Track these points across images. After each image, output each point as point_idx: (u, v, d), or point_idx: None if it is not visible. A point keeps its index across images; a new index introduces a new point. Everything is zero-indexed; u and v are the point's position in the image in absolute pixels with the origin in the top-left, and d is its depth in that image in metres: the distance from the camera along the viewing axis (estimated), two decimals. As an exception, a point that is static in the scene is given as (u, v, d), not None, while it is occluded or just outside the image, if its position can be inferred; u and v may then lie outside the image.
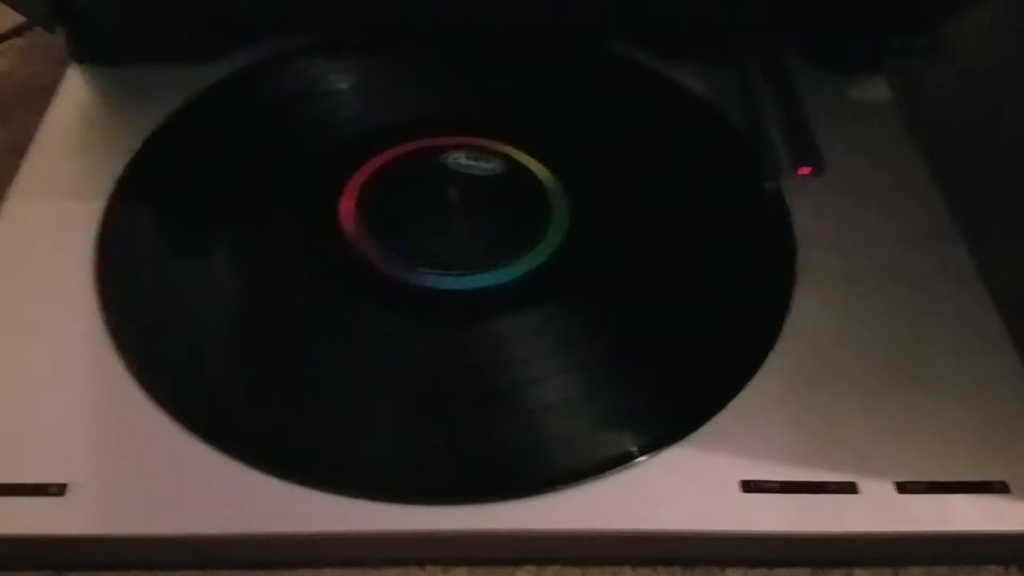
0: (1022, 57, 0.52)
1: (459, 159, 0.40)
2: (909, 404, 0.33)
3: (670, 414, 0.32)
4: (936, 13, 0.46)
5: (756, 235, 0.39)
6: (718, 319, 0.36)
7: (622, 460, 0.31)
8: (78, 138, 0.42)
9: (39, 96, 0.47)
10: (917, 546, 0.31)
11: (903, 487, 0.31)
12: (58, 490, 0.29)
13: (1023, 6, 0.52)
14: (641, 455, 0.31)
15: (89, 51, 0.45)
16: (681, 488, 0.30)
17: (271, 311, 0.36)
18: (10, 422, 0.31)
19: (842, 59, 0.46)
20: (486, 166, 0.39)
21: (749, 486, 0.30)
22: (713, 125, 0.43)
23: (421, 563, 0.31)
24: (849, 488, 0.30)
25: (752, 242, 0.39)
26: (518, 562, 0.31)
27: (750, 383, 0.33)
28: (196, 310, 0.35)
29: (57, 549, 0.30)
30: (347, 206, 0.39)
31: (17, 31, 0.50)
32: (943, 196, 0.41)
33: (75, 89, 0.45)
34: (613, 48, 0.46)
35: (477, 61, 0.46)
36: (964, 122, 0.49)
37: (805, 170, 0.40)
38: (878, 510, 0.30)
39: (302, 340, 0.34)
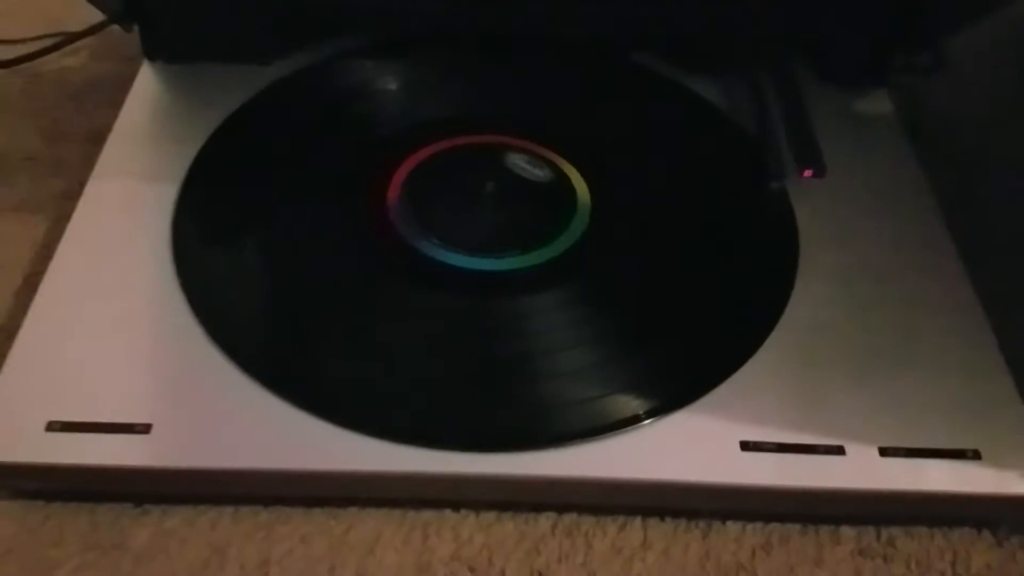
0: (1019, 74, 0.56)
1: (513, 160, 0.44)
2: (894, 382, 0.36)
3: (678, 383, 0.36)
4: (939, 30, 0.49)
5: (762, 230, 0.43)
6: (724, 302, 0.40)
7: (635, 420, 0.35)
8: (151, 128, 0.46)
9: (111, 89, 0.51)
10: (896, 504, 0.34)
11: (885, 451, 0.34)
12: (144, 429, 0.34)
13: (1020, 24, 0.56)
14: (652, 416, 0.35)
15: (160, 49, 0.49)
16: (686, 446, 0.34)
17: (325, 282, 0.40)
18: (101, 371, 0.35)
19: (848, 73, 0.49)
20: (535, 171, 0.43)
21: (747, 446, 0.34)
22: (726, 131, 0.47)
23: (455, 506, 0.35)
24: (837, 450, 0.34)
25: (758, 236, 0.42)
26: (539, 508, 0.35)
27: (751, 359, 0.37)
28: (258, 277, 0.40)
29: (142, 480, 0.34)
30: (393, 194, 0.43)
31: (91, 31, 0.55)
32: (936, 200, 0.44)
33: (148, 84, 0.48)
34: (635, 59, 0.50)
35: (510, 63, 0.50)
36: (961, 134, 0.52)
37: (808, 173, 0.43)
38: (862, 470, 0.34)
39: (351, 308, 0.38)
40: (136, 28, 0.49)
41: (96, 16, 0.51)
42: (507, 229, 0.42)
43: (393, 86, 0.49)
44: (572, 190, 0.43)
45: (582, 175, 0.44)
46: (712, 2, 0.48)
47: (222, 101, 0.47)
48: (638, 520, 0.35)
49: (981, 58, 0.56)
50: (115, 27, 0.50)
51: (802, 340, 0.38)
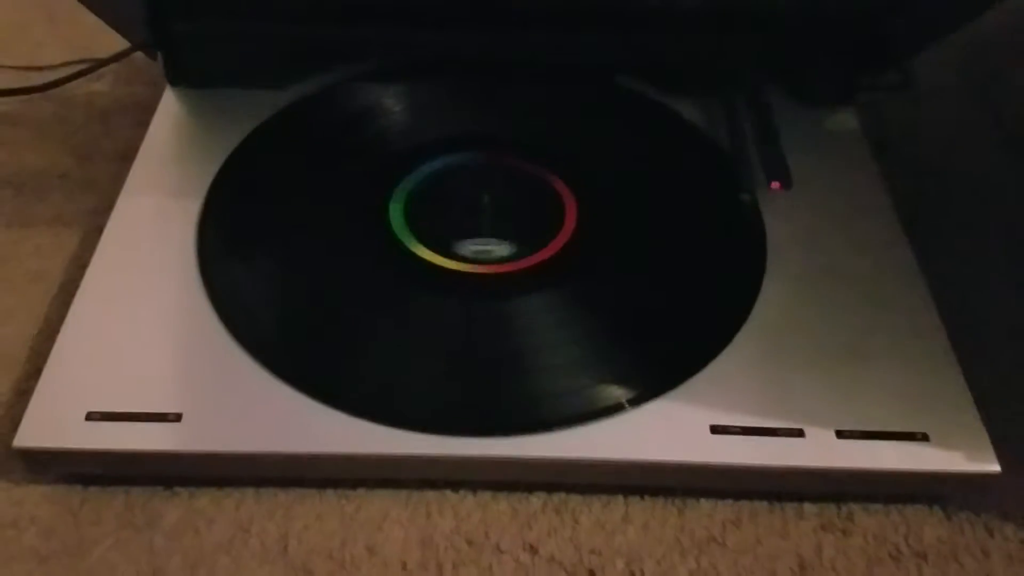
0: (978, 91, 0.60)
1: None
2: (850, 373, 0.40)
3: (656, 374, 0.39)
4: (903, 50, 0.53)
5: (733, 236, 0.46)
6: (699, 302, 0.43)
7: (617, 407, 0.38)
8: (175, 148, 0.50)
9: (137, 112, 0.55)
10: (852, 481, 0.38)
11: (841, 434, 0.38)
12: (175, 417, 0.37)
13: (981, 46, 0.60)
14: (631, 404, 0.38)
15: (183, 75, 0.53)
16: (663, 430, 0.38)
17: (336, 286, 0.43)
18: (135, 366, 0.39)
19: (816, 93, 0.53)
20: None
21: (716, 429, 0.38)
22: (702, 146, 0.51)
23: (455, 486, 0.39)
24: (797, 433, 0.38)
25: (730, 242, 0.46)
26: (531, 488, 0.39)
27: (722, 353, 0.40)
28: (275, 282, 0.43)
29: (173, 464, 0.38)
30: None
31: (117, 57, 0.59)
32: (897, 210, 0.47)
33: (171, 107, 0.52)
34: (618, 80, 0.54)
35: (505, 86, 0.54)
36: (922, 146, 0.56)
37: (775, 185, 0.47)
38: (820, 450, 0.37)
39: (360, 310, 0.42)
40: (160, 56, 0.53)
41: (122, 44, 0.55)
42: (501, 236, 0.46)
43: (397, 108, 0.53)
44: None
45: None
46: (691, 37, 0.51)
47: (240, 123, 0.50)
48: (620, 498, 0.39)
49: (945, 75, 0.60)
50: (140, 54, 0.54)
51: (768, 336, 0.41)
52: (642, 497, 0.39)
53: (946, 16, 0.49)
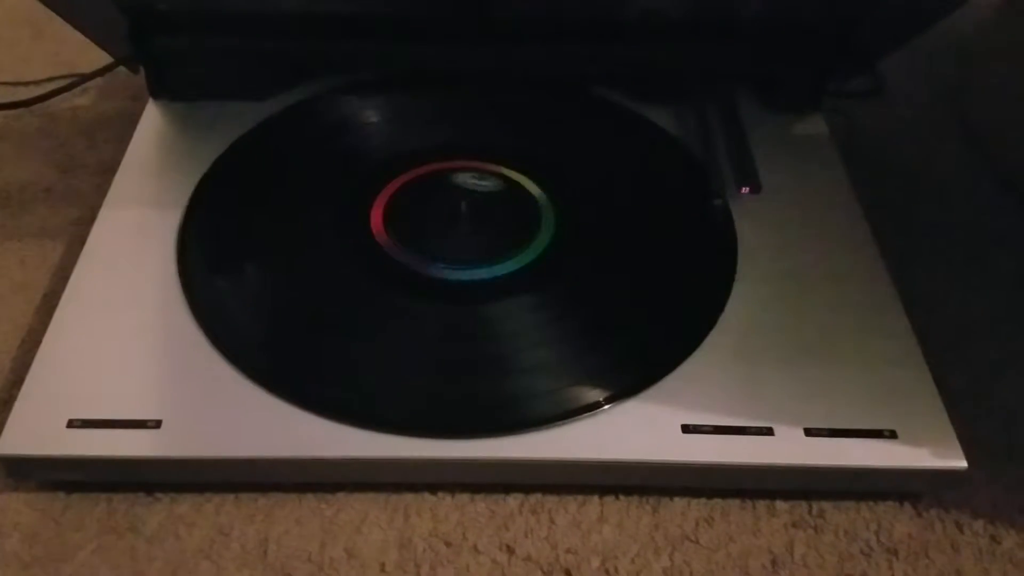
0: (944, 93, 0.61)
1: (467, 179, 0.49)
2: (820, 372, 0.41)
3: (629, 375, 0.40)
4: (871, 56, 0.54)
5: (705, 240, 0.47)
6: (670, 304, 0.44)
7: (591, 408, 0.39)
8: (157, 160, 0.50)
9: (119, 125, 0.56)
10: (821, 478, 0.39)
11: (810, 431, 0.38)
12: (155, 424, 0.38)
13: (947, 48, 0.61)
14: (605, 405, 0.39)
15: (164, 89, 0.53)
16: (635, 429, 0.38)
17: (314, 293, 0.44)
18: (115, 374, 0.40)
19: (785, 100, 0.54)
20: (487, 184, 0.49)
21: (688, 428, 0.38)
22: (674, 153, 0.52)
23: (433, 489, 0.40)
24: (767, 431, 0.39)
25: (701, 246, 0.47)
26: (508, 489, 0.40)
27: (693, 355, 0.41)
28: (254, 291, 0.44)
29: (153, 470, 0.38)
30: (376, 214, 0.48)
31: (100, 72, 0.60)
32: (865, 213, 0.48)
33: (153, 120, 0.53)
34: (593, 90, 0.55)
35: (482, 99, 0.55)
36: (890, 150, 0.58)
37: (745, 189, 0.48)
38: (789, 448, 0.38)
39: (338, 316, 0.43)
40: (142, 70, 0.54)
41: (105, 59, 0.56)
42: (479, 243, 0.46)
43: (375, 119, 0.54)
44: (537, 207, 0.48)
45: (546, 193, 0.49)
46: (662, 45, 0.52)
47: (222, 135, 0.51)
48: (595, 498, 0.40)
49: (910, 80, 0.62)
50: (123, 69, 0.55)
51: (738, 337, 0.42)
52: (617, 496, 0.40)
53: (912, 19, 0.50)
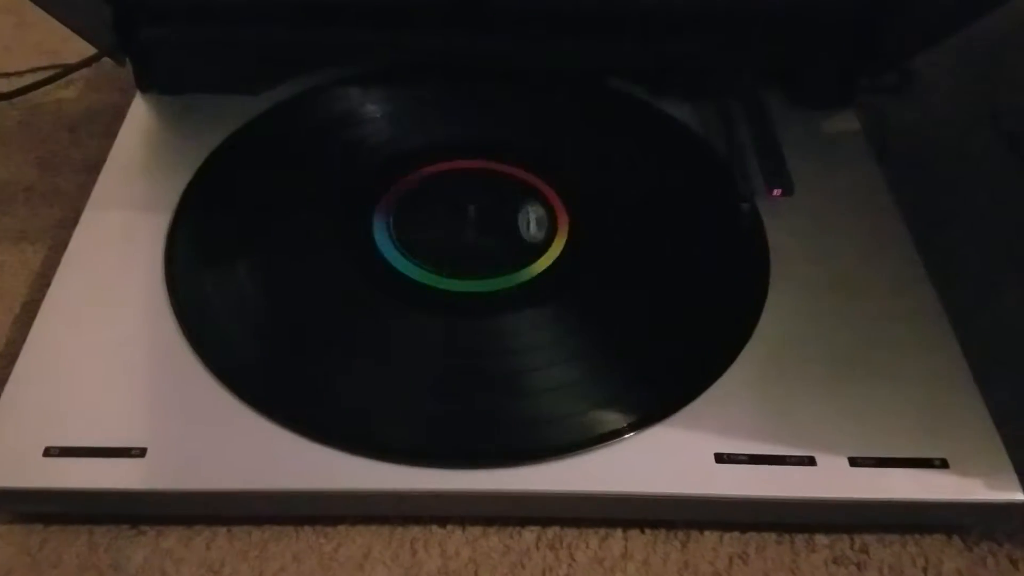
0: (977, 90, 0.58)
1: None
2: (863, 392, 0.38)
3: (654, 398, 0.37)
4: (903, 51, 0.51)
5: (734, 247, 0.44)
6: (699, 319, 0.41)
7: (614, 435, 0.36)
8: (145, 158, 0.47)
9: (106, 120, 0.53)
10: (867, 512, 0.36)
11: (855, 461, 0.35)
12: (139, 452, 0.35)
13: (980, 45, 0.58)
14: (630, 431, 0.36)
15: (152, 81, 0.50)
16: (663, 459, 0.35)
17: (313, 307, 0.41)
18: (97, 397, 0.37)
19: (816, 96, 0.51)
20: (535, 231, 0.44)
21: (722, 458, 0.35)
22: (699, 153, 0.48)
23: (442, 521, 0.37)
24: (808, 461, 0.35)
25: (729, 254, 0.44)
26: (524, 522, 0.37)
27: (725, 373, 0.38)
28: (250, 303, 0.41)
29: (138, 503, 0.35)
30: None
31: (85, 63, 0.56)
32: (902, 215, 0.45)
33: (141, 114, 0.50)
34: (612, 84, 0.52)
35: (491, 91, 0.51)
36: (926, 150, 0.54)
37: (776, 192, 0.45)
38: (832, 480, 0.35)
39: (339, 332, 0.40)
40: (128, 61, 0.50)
41: (91, 49, 0.53)
42: (489, 251, 0.43)
43: (374, 115, 0.50)
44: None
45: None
46: (687, 39, 0.49)
47: (212, 131, 0.48)
48: (619, 531, 0.37)
49: (944, 76, 0.58)
50: (109, 59, 0.52)
51: (773, 354, 0.39)
52: (642, 530, 0.37)
53: (947, 19, 0.47)
